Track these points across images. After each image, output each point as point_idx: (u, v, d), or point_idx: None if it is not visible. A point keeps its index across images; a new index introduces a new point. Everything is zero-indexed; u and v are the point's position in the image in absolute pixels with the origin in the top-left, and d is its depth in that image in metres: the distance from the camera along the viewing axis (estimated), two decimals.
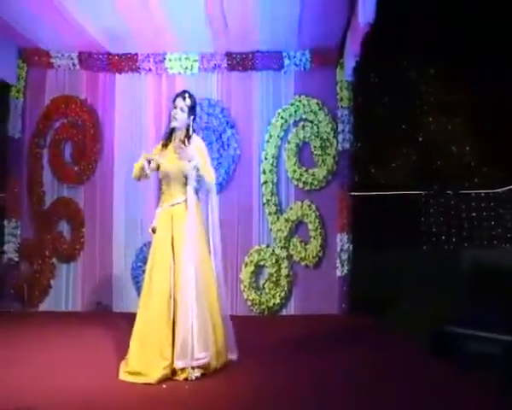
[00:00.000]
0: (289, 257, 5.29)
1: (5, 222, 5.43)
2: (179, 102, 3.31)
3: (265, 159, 5.36)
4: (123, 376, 3.08)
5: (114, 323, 4.54)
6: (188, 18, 4.64)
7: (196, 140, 3.36)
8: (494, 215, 10.84)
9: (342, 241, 5.21)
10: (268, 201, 5.32)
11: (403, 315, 4.79)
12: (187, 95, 3.33)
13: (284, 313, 5.28)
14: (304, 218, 5.31)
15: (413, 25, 9.60)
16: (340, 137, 5.29)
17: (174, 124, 3.32)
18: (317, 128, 5.34)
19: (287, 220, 5.30)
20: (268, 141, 5.37)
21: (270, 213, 5.32)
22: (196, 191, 3.32)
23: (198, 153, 3.27)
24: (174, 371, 3.09)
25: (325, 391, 2.90)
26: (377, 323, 4.74)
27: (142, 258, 5.20)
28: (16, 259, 5.40)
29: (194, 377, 3.05)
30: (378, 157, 11.78)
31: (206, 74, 5.45)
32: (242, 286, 5.27)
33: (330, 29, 4.92)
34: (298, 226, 5.34)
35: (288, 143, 5.37)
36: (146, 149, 3.41)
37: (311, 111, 5.35)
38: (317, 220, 5.27)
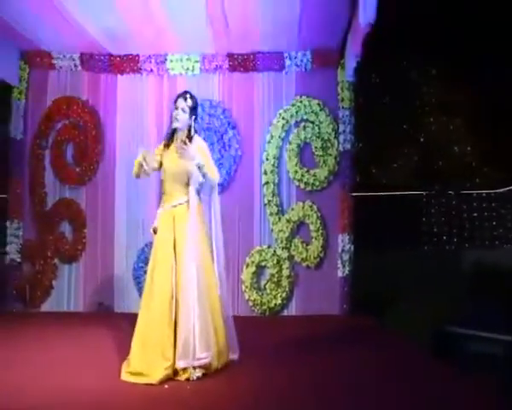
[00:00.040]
0: (291, 258, 5.29)
1: (7, 223, 5.45)
2: (180, 102, 3.32)
3: (267, 159, 5.37)
4: (125, 376, 3.09)
5: (116, 323, 4.55)
6: (189, 18, 4.65)
7: (198, 140, 3.37)
8: (495, 215, 10.83)
9: (343, 241, 5.22)
10: (269, 201, 5.33)
11: (404, 316, 4.79)
12: (188, 95, 3.34)
13: (285, 313, 5.29)
14: (305, 218, 5.31)
15: (414, 25, 9.59)
16: (342, 137, 5.30)
17: (176, 124, 3.33)
18: (319, 129, 5.35)
19: (288, 221, 5.31)
20: (269, 142, 5.38)
21: (271, 214, 5.32)
22: (198, 192, 3.33)
23: (200, 153, 3.28)
24: (176, 372, 3.09)
25: (326, 391, 2.91)
26: (378, 323, 4.74)
27: (143, 259, 5.21)
28: (18, 260, 5.42)
29: (195, 377, 3.06)
30: (379, 158, 11.78)
31: (207, 75, 5.46)
32: (244, 287, 5.28)
33: (331, 30, 4.93)
34: (299, 227, 5.34)
35: (290, 143, 5.38)
36: (147, 149, 3.41)
37: (312, 112, 5.35)
38: (319, 221, 5.27)
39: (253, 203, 5.38)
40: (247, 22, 4.76)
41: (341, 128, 5.30)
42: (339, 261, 5.22)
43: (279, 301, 5.24)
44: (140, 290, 4.98)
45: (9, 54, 5.35)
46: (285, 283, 5.26)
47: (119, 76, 5.53)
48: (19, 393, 2.83)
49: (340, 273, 5.20)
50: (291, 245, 5.30)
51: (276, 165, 5.37)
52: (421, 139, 12.17)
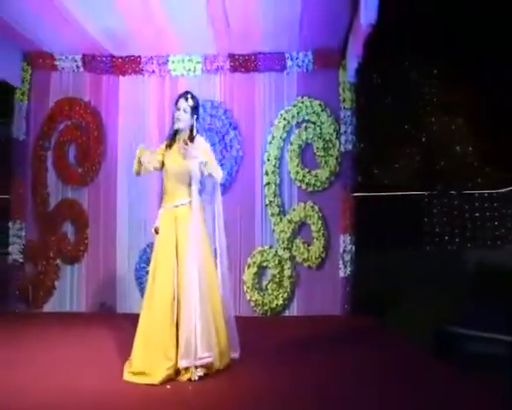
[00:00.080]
0: (292, 258, 5.30)
1: (10, 224, 5.46)
2: (182, 103, 3.33)
3: (268, 160, 5.37)
4: (127, 376, 3.10)
5: (118, 324, 4.57)
6: (190, 19, 4.65)
7: (200, 140, 3.38)
8: (497, 216, 10.81)
9: (345, 242, 5.22)
10: (271, 202, 5.33)
11: (406, 316, 4.79)
12: (189, 96, 3.35)
13: (287, 313, 5.29)
14: (307, 219, 5.32)
15: (415, 26, 9.58)
16: (343, 138, 5.30)
17: (178, 125, 3.34)
18: (320, 129, 5.35)
19: (289, 221, 5.31)
20: (271, 142, 5.38)
21: (272, 215, 5.33)
22: (199, 193, 3.34)
23: (202, 152, 3.29)
24: (177, 372, 3.10)
25: (328, 392, 2.91)
26: (380, 324, 4.74)
27: (145, 259, 5.22)
28: (21, 260, 5.43)
29: (197, 377, 3.07)
30: (381, 158, 11.76)
31: (208, 76, 5.47)
32: (245, 287, 5.29)
33: (332, 30, 4.93)
34: (301, 227, 5.35)
35: (291, 144, 5.38)
36: (148, 148, 3.43)
37: (313, 112, 5.36)
38: (320, 221, 5.28)
39: (254, 204, 5.38)
40: (249, 23, 4.77)
41: (343, 129, 5.30)
42: (340, 262, 5.22)
43: (280, 302, 5.25)
44: (142, 291, 4.97)
45: (12, 55, 5.37)
46: (286, 283, 5.26)
47: (120, 77, 5.54)
48: (21, 393, 2.84)
49: (341, 274, 5.20)
50: (292, 246, 5.31)
51: (277, 165, 5.37)
52: (423, 139, 12.16)
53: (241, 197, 5.36)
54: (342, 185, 5.30)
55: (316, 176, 5.33)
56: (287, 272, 5.27)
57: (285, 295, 5.25)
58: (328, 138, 5.34)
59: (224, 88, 5.49)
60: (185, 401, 2.81)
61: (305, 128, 5.37)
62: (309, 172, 5.34)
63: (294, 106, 5.38)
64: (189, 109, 3.32)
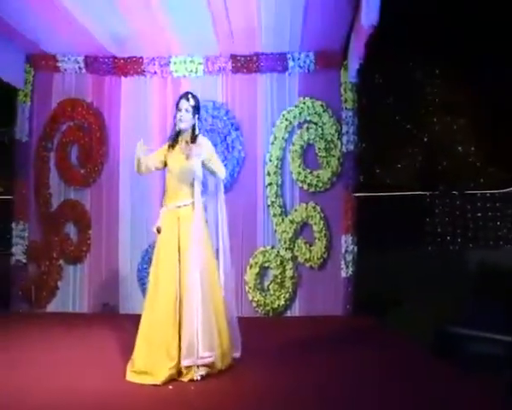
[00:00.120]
0: (294, 258, 5.31)
1: (13, 224, 5.48)
2: (183, 103, 3.35)
3: (270, 161, 5.38)
4: (129, 376, 3.11)
5: (121, 324, 4.58)
6: (192, 21, 4.66)
7: (202, 140, 3.40)
8: (499, 215, 10.80)
9: (347, 242, 5.22)
10: (272, 202, 5.34)
11: (407, 316, 4.80)
12: (190, 95, 3.37)
13: (289, 314, 5.29)
14: (308, 219, 5.32)
15: (416, 26, 9.59)
16: (345, 138, 5.31)
17: (180, 126, 3.36)
18: (322, 130, 5.36)
19: (291, 222, 5.32)
20: (272, 143, 5.39)
21: (274, 215, 5.34)
22: (202, 193, 3.36)
23: (205, 151, 3.31)
24: (180, 372, 3.12)
25: (330, 392, 2.92)
26: (382, 324, 4.74)
27: (147, 260, 5.22)
28: (24, 261, 5.45)
29: (199, 377, 3.08)
30: (383, 158, 11.78)
31: (210, 77, 5.48)
32: (247, 287, 5.30)
33: (334, 31, 4.93)
34: (302, 228, 5.35)
35: (293, 144, 5.39)
36: (150, 150, 3.44)
37: (315, 113, 5.36)
38: (322, 222, 5.28)
39: (256, 204, 5.39)
40: (250, 24, 4.78)
41: (345, 129, 5.30)
42: (342, 262, 5.22)
43: (282, 302, 5.25)
44: (144, 291, 4.97)
45: (15, 57, 5.38)
46: (288, 283, 5.27)
47: (123, 78, 5.56)
48: (24, 393, 2.86)
49: (343, 274, 5.21)
50: (294, 246, 5.32)
51: (279, 166, 5.38)
52: (425, 139, 12.16)
53: (243, 198, 5.37)
54: (344, 186, 5.30)
55: (318, 176, 5.33)
56: (289, 273, 5.27)
57: (287, 295, 5.26)
58: (329, 139, 5.35)
59: (225, 89, 5.50)
60: (188, 401, 2.82)
61: (307, 129, 5.38)
62: (311, 172, 5.35)
63: (296, 106, 5.39)
64: (190, 109, 3.34)
